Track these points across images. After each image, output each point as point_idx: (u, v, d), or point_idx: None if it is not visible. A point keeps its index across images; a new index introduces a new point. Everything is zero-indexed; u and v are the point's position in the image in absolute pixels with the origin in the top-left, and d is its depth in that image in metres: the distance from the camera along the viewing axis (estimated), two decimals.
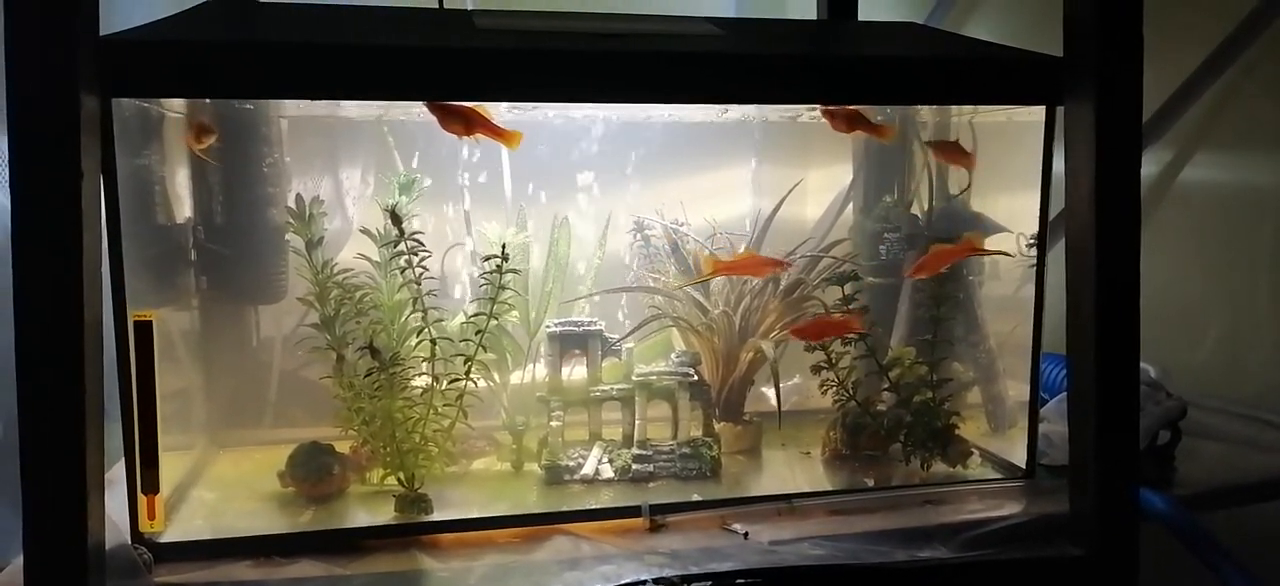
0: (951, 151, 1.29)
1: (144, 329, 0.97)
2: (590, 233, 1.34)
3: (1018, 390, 1.25)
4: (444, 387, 1.10)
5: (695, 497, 1.12)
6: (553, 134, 1.33)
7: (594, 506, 1.10)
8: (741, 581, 0.94)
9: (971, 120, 1.31)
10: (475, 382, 1.11)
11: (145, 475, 0.98)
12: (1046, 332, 1.18)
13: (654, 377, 1.22)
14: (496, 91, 1.00)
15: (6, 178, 0.84)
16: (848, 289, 1.20)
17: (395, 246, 1.08)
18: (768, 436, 1.32)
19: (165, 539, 0.99)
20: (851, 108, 1.15)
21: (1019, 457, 1.22)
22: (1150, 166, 1.66)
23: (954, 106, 1.30)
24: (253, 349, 1.31)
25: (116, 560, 0.91)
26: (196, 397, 1.24)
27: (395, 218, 1.08)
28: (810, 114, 1.25)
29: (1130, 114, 1.00)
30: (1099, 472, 1.01)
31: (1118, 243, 0.99)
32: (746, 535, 1.04)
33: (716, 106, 1.24)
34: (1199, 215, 1.63)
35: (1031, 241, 1.18)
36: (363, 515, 1.09)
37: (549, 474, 1.17)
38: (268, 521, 1.07)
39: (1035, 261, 1.17)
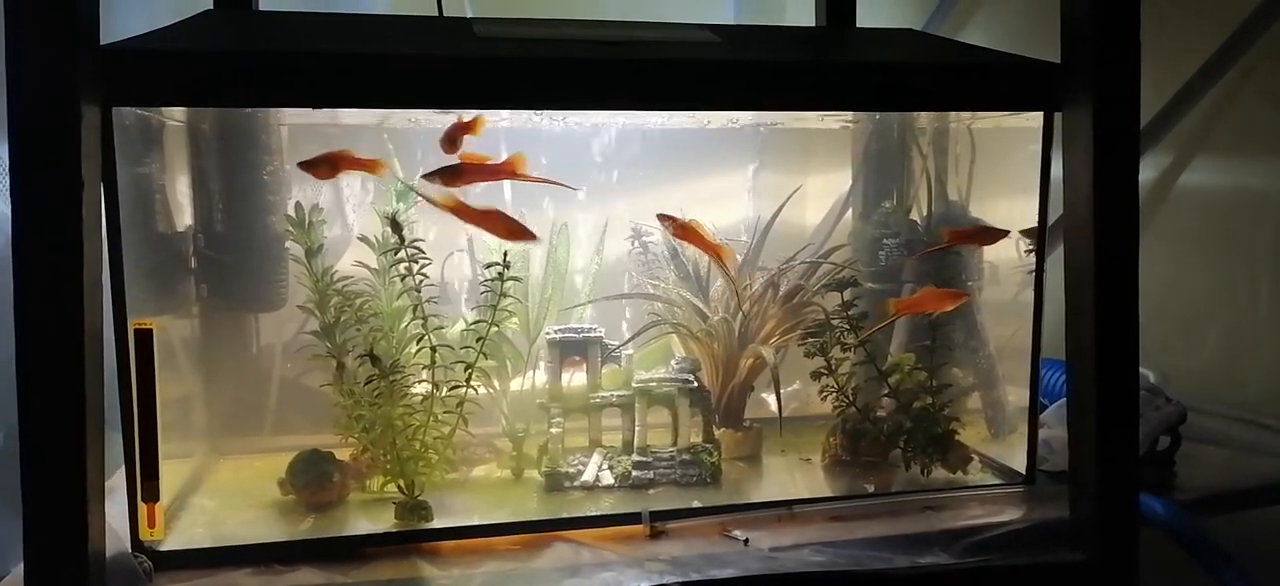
0: None
1: (144, 337, 0.97)
2: (589, 239, 1.34)
3: (1017, 395, 1.25)
4: (444, 394, 1.10)
5: (696, 504, 1.12)
6: (551, 141, 1.33)
7: (594, 513, 1.10)
8: None
9: (970, 126, 1.32)
10: (475, 389, 1.11)
11: (145, 483, 0.98)
12: (1046, 338, 1.19)
13: (654, 384, 1.22)
14: (496, 99, 1.00)
15: (7, 186, 0.84)
16: (847, 295, 1.20)
17: (395, 253, 1.08)
18: (768, 442, 1.32)
19: (165, 547, 0.99)
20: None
21: (1019, 463, 1.22)
22: (1148, 171, 1.66)
23: (951, 112, 1.30)
24: (253, 356, 1.31)
25: (117, 568, 0.91)
26: (197, 405, 1.24)
27: (395, 225, 1.08)
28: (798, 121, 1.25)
29: (1128, 119, 1.00)
30: (1099, 478, 1.01)
31: (1116, 247, 0.99)
32: (747, 541, 1.04)
33: (715, 113, 1.24)
34: (1198, 219, 1.63)
35: (1030, 247, 1.18)
36: (363, 522, 1.09)
37: (549, 480, 1.17)
38: (268, 529, 1.07)
39: (1034, 266, 1.18)
